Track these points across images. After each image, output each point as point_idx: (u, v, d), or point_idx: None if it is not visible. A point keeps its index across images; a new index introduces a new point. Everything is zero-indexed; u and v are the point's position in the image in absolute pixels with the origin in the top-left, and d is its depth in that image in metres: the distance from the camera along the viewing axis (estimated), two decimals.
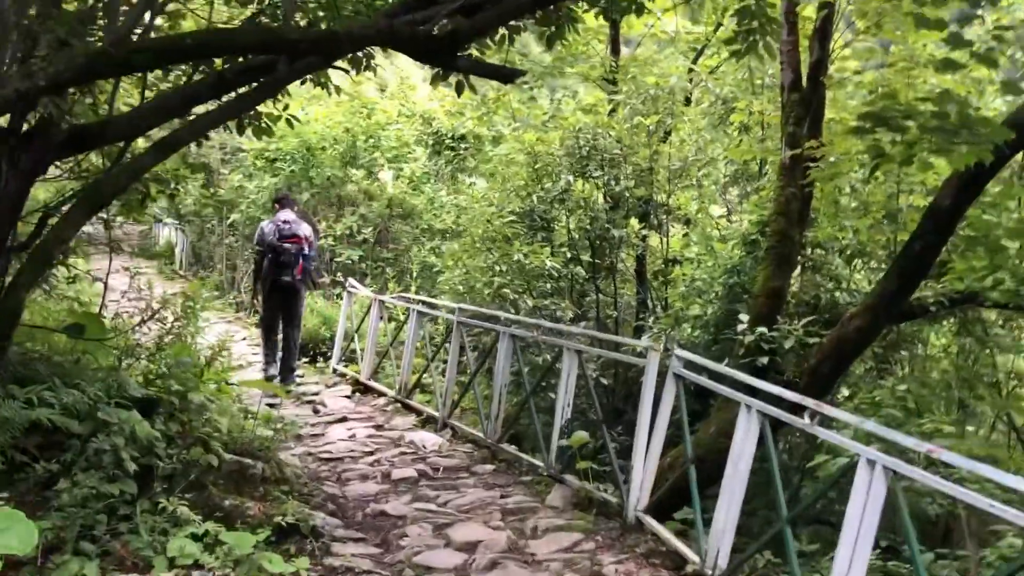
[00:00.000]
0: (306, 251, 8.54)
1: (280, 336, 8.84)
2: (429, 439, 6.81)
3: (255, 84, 4.10)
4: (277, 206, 8.87)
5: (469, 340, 7.60)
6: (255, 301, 9.34)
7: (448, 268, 9.17)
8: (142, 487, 4.08)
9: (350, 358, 9.38)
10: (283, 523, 4.29)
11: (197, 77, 4.83)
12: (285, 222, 8.54)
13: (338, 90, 6.29)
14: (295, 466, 5.61)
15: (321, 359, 9.80)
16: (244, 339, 10.67)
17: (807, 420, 3.78)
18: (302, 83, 5.65)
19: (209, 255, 16.27)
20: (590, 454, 5.43)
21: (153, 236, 19.74)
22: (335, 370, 9.35)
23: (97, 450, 3.98)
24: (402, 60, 23.89)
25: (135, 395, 4.89)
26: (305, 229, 8.64)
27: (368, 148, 13.03)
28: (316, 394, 8.51)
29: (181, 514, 3.92)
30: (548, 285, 8.62)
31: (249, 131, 5.67)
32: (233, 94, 4.30)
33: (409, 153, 13.93)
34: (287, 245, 8.42)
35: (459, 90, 5.66)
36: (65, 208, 4.41)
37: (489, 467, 6.13)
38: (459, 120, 15.02)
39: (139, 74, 4.86)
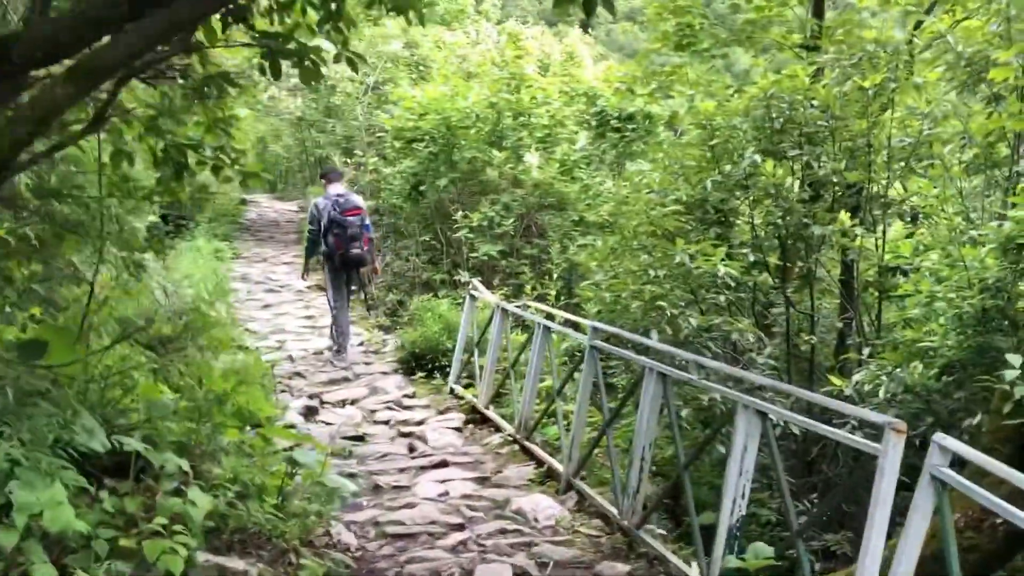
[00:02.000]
0: (367, 221, 8.64)
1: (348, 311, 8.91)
2: (545, 507, 4.95)
3: None
4: (325, 181, 8.87)
5: (609, 370, 5.68)
6: (305, 277, 9.49)
7: (590, 271, 7.25)
8: None
9: (472, 375, 7.67)
10: None
11: None
12: (340, 195, 8.51)
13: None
14: (337, 557, 3.91)
15: (439, 374, 8.16)
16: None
17: None
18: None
19: None
20: None
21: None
22: (452, 390, 7.67)
23: None
24: (571, 35, 22.12)
25: (94, 448, 3.40)
26: (359, 200, 8.76)
27: (516, 127, 11.30)
28: (420, 423, 6.86)
29: None
30: (722, 297, 6.51)
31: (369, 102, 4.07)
32: None
33: (562, 134, 12.07)
34: (350, 218, 8.38)
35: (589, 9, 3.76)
36: None
37: (622, 568, 4.19)
38: (627, 97, 13.08)
39: None
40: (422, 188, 11.42)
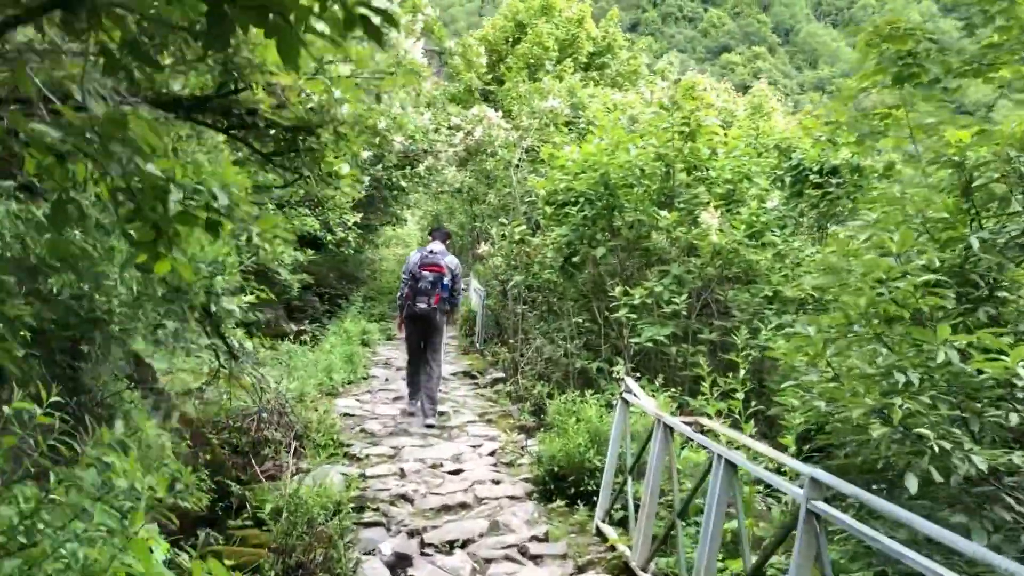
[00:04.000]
0: (445, 281, 8.56)
1: (424, 367, 8.76)
2: None
3: None
4: (430, 237, 9.02)
5: (841, 549, 3.43)
6: (400, 330, 9.20)
7: (796, 369, 5.00)
8: None
9: (626, 506, 5.55)
10: None
11: None
12: (431, 252, 8.63)
13: None
14: None
15: (583, 503, 6.09)
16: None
17: None
18: None
19: (506, 325, 13.43)
20: None
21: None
22: (598, 529, 5.58)
23: None
24: (758, 86, 19.85)
25: None
26: (451, 261, 8.72)
27: (690, 183, 9.25)
28: None
29: None
30: (1015, 416, 4.10)
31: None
32: None
33: (749, 191, 9.89)
34: (425, 272, 8.47)
35: None
36: None
37: None
38: (828, 148, 10.83)
39: None
40: (576, 260, 9.56)
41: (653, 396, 6.13)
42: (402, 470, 6.87)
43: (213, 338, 7.60)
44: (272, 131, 7.05)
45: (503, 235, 11.62)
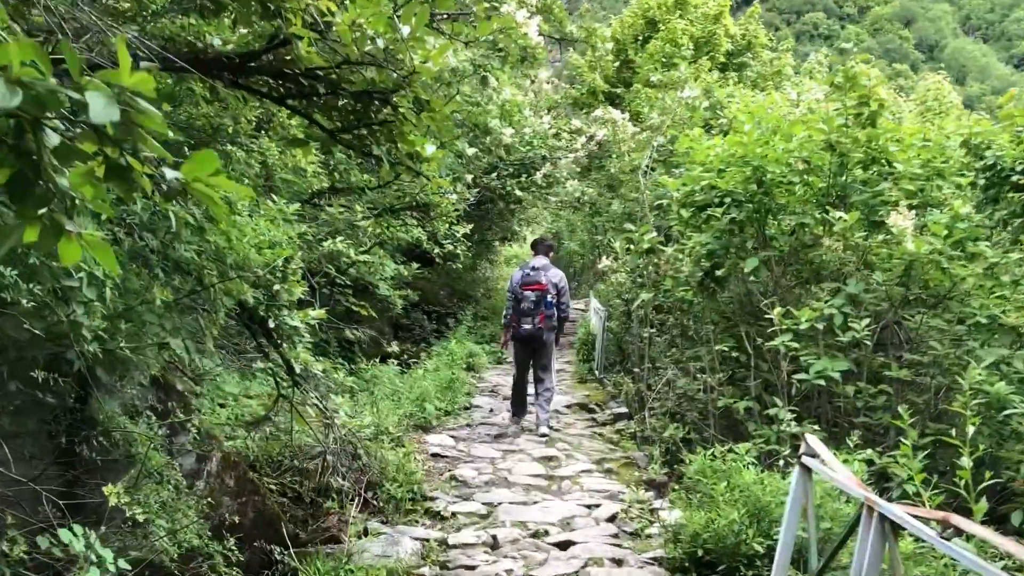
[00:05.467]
0: (549, 298, 8.29)
1: (531, 384, 8.63)
2: None
3: None
4: (532, 252, 8.83)
5: None
6: (504, 349, 9.23)
7: None
8: None
9: None
10: None
11: None
12: (533, 268, 8.39)
13: None
14: None
15: None
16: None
17: None
18: None
19: (631, 351, 11.69)
20: None
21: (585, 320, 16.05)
22: None
23: None
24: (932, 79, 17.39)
25: None
26: (554, 275, 8.42)
27: (870, 179, 7.33)
28: None
29: None
30: None
31: None
32: None
33: (939, 193, 7.91)
34: (527, 292, 8.27)
35: None
36: None
37: None
38: None
39: None
40: (719, 274, 7.80)
41: (842, 458, 4.33)
42: (495, 538, 5.29)
43: (271, 359, 6.30)
44: (337, 99, 5.56)
45: (628, 247, 9.95)
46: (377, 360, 9.63)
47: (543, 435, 8.32)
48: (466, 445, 7.81)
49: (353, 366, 9.85)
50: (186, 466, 5.29)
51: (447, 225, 12.34)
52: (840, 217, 6.57)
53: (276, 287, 5.65)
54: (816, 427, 6.27)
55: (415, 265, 12.34)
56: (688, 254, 8.26)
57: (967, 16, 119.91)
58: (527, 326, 8.24)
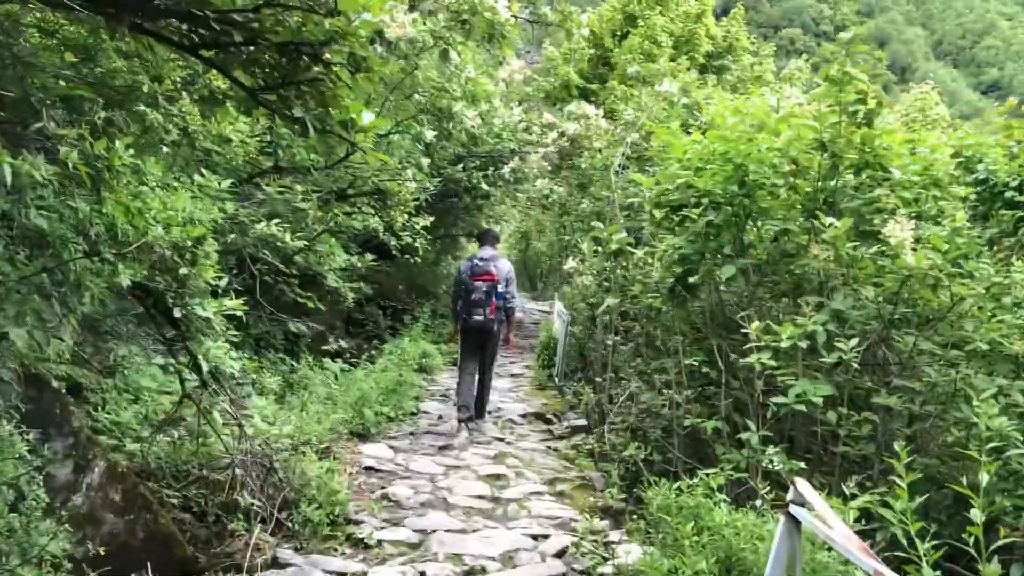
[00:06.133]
0: (500, 288, 8.22)
1: (476, 378, 8.47)
2: None
3: None
4: (478, 243, 8.85)
5: None
6: (454, 341, 9.10)
7: None
8: None
9: None
10: None
11: None
12: (482, 259, 8.30)
13: None
14: None
15: None
16: None
17: None
18: None
19: (593, 359, 10.96)
20: None
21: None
22: None
23: None
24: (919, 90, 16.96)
25: None
26: (502, 266, 8.37)
27: (864, 184, 6.69)
28: None
29: None
30: None
31: None
32: None
33: (936, 205, 7.30)
34: (478, 283, 8.16)
35: None
36: None
37: None
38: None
39: None
40: (692, 281, 7.12)
41: (831, 503, 3.63)
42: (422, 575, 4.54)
43: (176, 353, 5.48)
44: (261, 53, 4.77)
45: (596, 249, 9.25)
46: (311, 358, 8.80)
47: (476, 429, 8.37)
48: (405, 457, 7.03)
49: (296, 363, 9.05)
50: (60, 478, 4.49)
51: (405, 216, 11.55)
52: (831, 224, 5.90)
53: (183, 271, 4.86)
54: (789, 453, 5.63)
55: (370, 257, 11.53)
56: (659, 258, 7.56)
57: (939, 41, 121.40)
58: (478, 316, 8.13)
